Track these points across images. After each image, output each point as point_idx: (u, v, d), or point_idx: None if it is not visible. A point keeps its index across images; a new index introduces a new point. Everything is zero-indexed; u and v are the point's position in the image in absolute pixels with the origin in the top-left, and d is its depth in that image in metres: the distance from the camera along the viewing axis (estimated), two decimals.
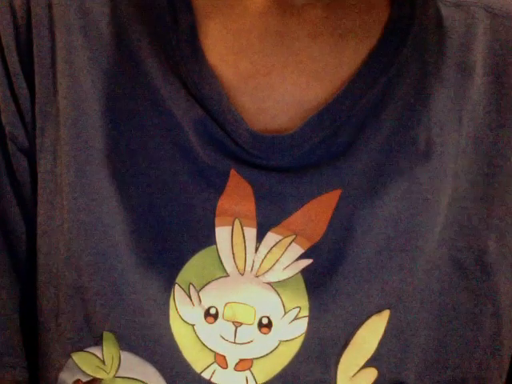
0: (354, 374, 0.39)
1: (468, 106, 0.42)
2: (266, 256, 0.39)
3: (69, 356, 0.39)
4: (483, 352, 0.42)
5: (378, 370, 0.39)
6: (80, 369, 0.39)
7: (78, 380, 0.39)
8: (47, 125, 0.41)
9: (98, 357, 0.39)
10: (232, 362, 0.39)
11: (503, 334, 0.42)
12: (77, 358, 0.39)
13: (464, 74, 0.42)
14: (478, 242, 0.41)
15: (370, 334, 0.39)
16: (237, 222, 0.39)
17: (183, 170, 0.39)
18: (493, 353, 0.42)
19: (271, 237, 0.39)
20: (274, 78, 0.40)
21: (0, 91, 0.41)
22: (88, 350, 0.39)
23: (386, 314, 0.39)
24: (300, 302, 0.39)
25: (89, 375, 0.39)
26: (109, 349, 0.38)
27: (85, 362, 0.39)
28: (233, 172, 0.39)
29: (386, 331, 0.39)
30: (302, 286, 0.39)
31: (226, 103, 0.39)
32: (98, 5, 0.41)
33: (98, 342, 0.39)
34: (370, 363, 0.39)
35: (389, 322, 0.40)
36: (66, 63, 0.40)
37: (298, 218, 0.39)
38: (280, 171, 0.39)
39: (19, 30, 0.40)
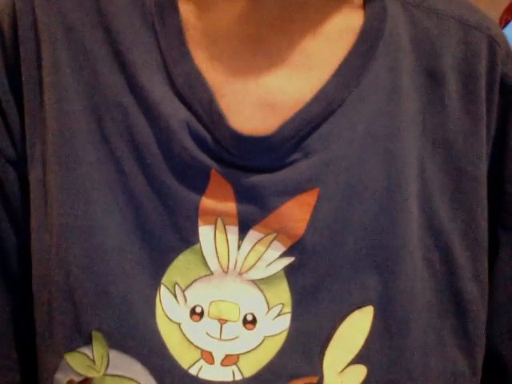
0: (342, 370, 0.40)
1: (437, 111, 0.44)
2: (248, 254, 0.40)
3: (62, 357, 0.40)
4: (455, 351, 0.43)
5: (367, 367, 0.40)
6: (72, 369, 0.40)
7: (71, 380, 0.40)
8: (36, 137, 0.42)
9: (88, 356, 0.40)
10: (218, 357, 0.40)
11: (470, 332, 0.43)
12: (69, 358, 0.40)
13: (435, 81, 0.44)
14: (444, 242, 0.43)
15: (354, 329, 0.40)
16: (219, 221, 0.40)
17: (168, 171, 0.40)
18: (464, 352, 0.43)
19: (253, 234, 0.40)
20: (250, 82, 0.41)
21: None
22: (79, 349, 0.40)
23: (368, 310, 0.40)
24: (283, 299, 0.40)
25: (81, 375, 0.40)
26: (98, 348, 0.39)
27: (77, 361, 0.40)
28: (213, 172, 0.40)
29: (372, 329, 0.40)
30: (285, 283, 0.40)
31: (214, 104, 0.40)
32: (80, 16, 0.42)
33: (87, 341, 0.40)
34: (358, 360, 0.40)
35: (374, 320, 0.40)
36: (51, 78, 0.42)
37: (277, 216, 0.40)
38: (259, 171, 0.40)
39: (7, 49, 0.42)
